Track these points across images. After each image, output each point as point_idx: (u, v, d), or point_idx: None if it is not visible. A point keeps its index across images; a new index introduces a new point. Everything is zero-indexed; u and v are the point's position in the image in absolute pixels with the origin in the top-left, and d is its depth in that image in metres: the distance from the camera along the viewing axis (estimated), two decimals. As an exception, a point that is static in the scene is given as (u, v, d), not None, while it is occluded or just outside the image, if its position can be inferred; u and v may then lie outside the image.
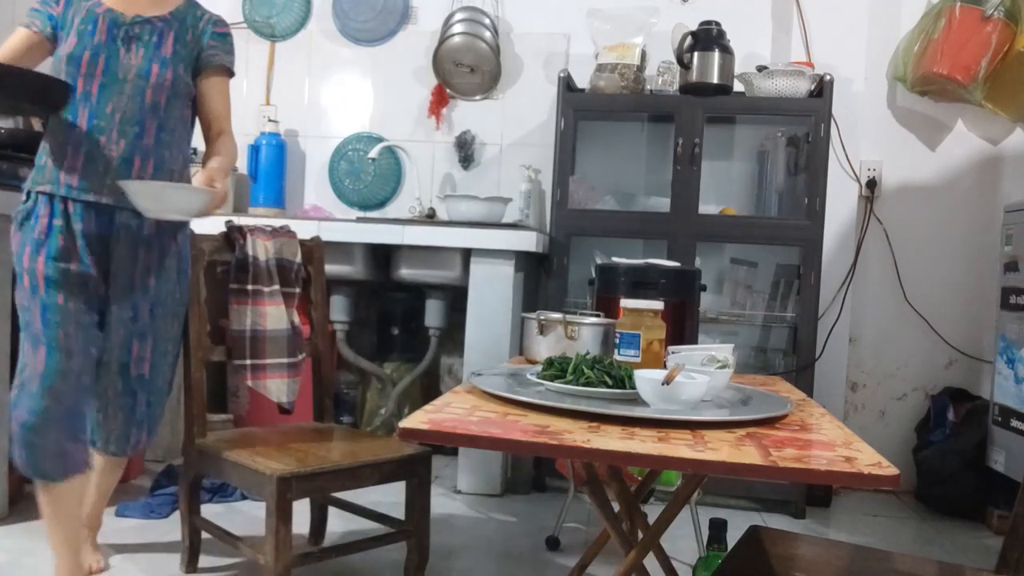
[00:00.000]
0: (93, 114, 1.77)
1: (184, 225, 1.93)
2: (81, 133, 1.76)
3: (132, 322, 1.85)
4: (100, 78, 1.79)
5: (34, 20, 1.82)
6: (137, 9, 1.86)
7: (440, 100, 3.45)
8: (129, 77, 1.81)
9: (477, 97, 3.45)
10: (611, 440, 1.06)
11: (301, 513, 1.62)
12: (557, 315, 1.72)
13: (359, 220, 3.18)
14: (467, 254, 2.89)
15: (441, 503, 2.73)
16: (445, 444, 1.10)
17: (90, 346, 1.79)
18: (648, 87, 3.06)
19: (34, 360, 1.72)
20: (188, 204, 1.72)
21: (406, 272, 3.02)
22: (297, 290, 2.15)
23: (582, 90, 3.10)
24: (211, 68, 1.93)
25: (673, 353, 1.54)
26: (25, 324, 1.76)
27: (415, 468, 1.94)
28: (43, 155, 1.81)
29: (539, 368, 1.44)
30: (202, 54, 1.93)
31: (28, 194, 1.81)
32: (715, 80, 2.86)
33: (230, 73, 1.99)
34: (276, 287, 2.09)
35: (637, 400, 1.28)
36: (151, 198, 1.68)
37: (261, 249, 2.08)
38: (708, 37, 2.86)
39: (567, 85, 3.02)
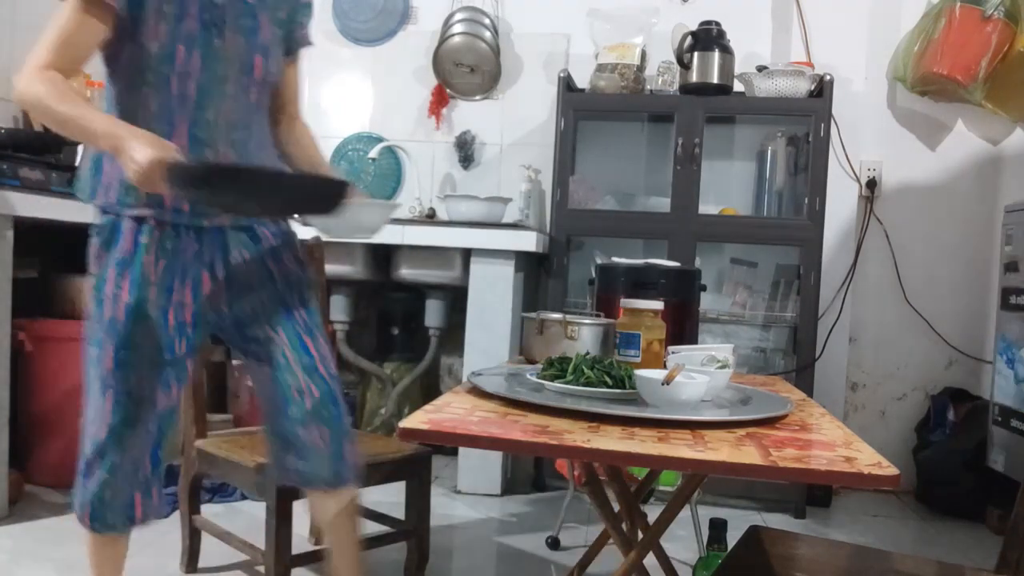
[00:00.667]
0: (194, 123, 1.45)
1: (286, 225, 1.65)
2: (182, 148, 1.38)
3: (296, 325, 1.56)
4: (198, 77, 1.46)
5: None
6: None
7: (440, 100, 3.45)
8: (230, 74, 1.49)
9: (477, 97, 3.45)
10: (611, 440, 1.06)
11: (301, 513, 1.62)
12: (557, 315, 1.72)
13: (359, 220, 3.17)
14: (467, 254, 2.89)
15: (441, 503, 2.73)
16: (445, 444, 1.10)
17: (163, 390, 1.54)
18: (648, 87, 3.06)
19: (102, 409, 1.54)
20: (378, 221, 1.54)
21: (406, 272, 3.02)
22: (297, 290, 2.14)
23: (582, 90, 3.10)
24: (299, 49, 1.67)
25: (673, 353, 1.54)
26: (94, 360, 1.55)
27: (415, 468, 1.94)
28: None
29: (539, 368, 1.44)
30: (293, 33, 1.63)
31: (109, 215, 1.48)
32: (715, 80, 2.86)
33: None
34: (276, 287, 2.08)
35: (637, 400, 1.28)
36: (339, 221, 1.44)
37: (261, 249, 2.07)
38: (708, 37, 2.86)
39: (567, 85, 3.02)
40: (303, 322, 1.56)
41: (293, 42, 1.64)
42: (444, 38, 3.31)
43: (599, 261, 2.84)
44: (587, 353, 1.46)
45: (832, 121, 2.90)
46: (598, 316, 1.77)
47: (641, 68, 3.03)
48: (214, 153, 1.46)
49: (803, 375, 2.86)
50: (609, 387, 1.33)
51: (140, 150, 1.25)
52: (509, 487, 2.97)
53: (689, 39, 2.86)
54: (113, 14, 1.39)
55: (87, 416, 1.56)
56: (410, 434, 1.09)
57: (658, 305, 1.52)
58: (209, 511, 2.31)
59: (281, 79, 1.63)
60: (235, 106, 1.49)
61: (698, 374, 1.31)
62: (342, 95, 3.56)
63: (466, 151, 3.45)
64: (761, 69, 2.95)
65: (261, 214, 1.51)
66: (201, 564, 2.06)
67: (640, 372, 1.30)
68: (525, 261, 3.02)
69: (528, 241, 2.81)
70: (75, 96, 1.37)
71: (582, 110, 3.06)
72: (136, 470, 1.55)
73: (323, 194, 1.34)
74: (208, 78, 1.46)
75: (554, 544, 2.40)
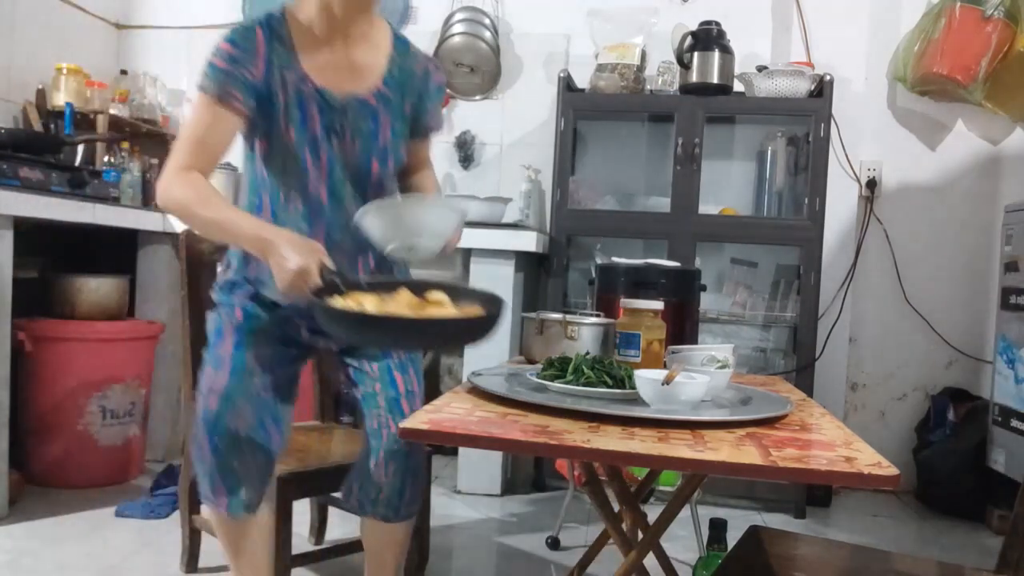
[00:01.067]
0: (331, 224, 1.46)
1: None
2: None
3: (390, 359, 1.56)
4: (326, 180, 1.48)
5: (233, 91, 1.40)
6: (347, 82, 1.49)
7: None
8: (347, 178, 1.51)
9: (477, 97, 3.45)
10: (611, 440, 1.06)
11: (301, 513, 1.62)
12: (557, 315, 1.72)
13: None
14: (467, 254, 2.89)
15: (441, 503, 2.73)
16: (445, 444, 1.10)
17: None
18: (648, 87, 3.06)
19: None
20: (441, 225, 1.36)
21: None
22: (298, 290, 2.14)
23: (582, 90, 3.10)
24: (428, 134, 1.66)
25: (673, 353, 1.54)
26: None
27: (415, 468, 1.93)
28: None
29: (539, 368, 1.44)
30: (421, 119, 1.61)
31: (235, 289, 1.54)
32: (715, 80, 2.86)
33: None
34: (277, 287, 2.08)
35: (637, 400, 1.28)
36: (393, 223, 1.33)
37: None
38: (708, 37, 2.86)
39: (567, 85, 3.02)
40: (398, 357, 1.56)
41: (421, 128, 1.63)
42: (444, 38, 3.31)
43: (599, 261, 2.84)
44: (587, 353, 1.46)
45: (832, 121, 2.90)
46: (598, 316, 1.77)
47: (641, 68, 3.03)
48: (340, 253, 1.44)
49: (803, 375, 2.86)
50: (609, 387, 1.33)
51: (291, 258, 1.26)
52: (509, 487, 2.97)
53: (689, 39, 2.86)
54: (243, 111, 1.42)
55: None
56: (410, 434, 1.09)
57: (658, 305, 1.52)
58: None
59: (410, 155, 1.63)
60: (353, 205, 1.47)
61: (698, 374, 1.31)
62: (342, 95, 3.55)
63: (466, 151, 3.45)
64: (761, 69, 2.95)
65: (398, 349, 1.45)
66: (201, 564, 2.06)
67: (640, 372, 1.30)
68: (525, 261, 3.02)
69: (528, 241, 2.81)
70: (219, 198, 1.39)
71: (582, 110, 3.06)
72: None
73: (471, 332, 1.22)
74: (334, 181, 1.49)
75: (554, 544, 2.40)
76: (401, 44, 1.58)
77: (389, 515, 1.53)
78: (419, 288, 1.25)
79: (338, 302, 1.17)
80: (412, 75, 1.57)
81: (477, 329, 1.19)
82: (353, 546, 1.91)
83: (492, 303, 1.21)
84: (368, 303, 1.17)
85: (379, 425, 1.51)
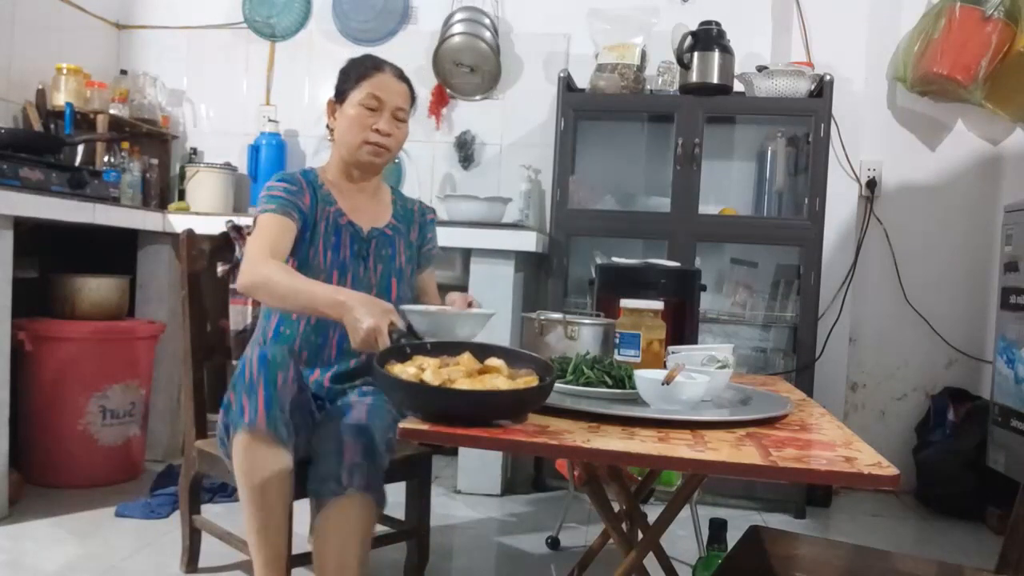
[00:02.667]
0: (344, 337, 1.57)
1: None
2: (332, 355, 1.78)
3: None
4: None
5: (290, 211, 1.74)
6: (370, 220, 1.88)
7: (440, 100, 3.45)
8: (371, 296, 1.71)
9: (477, 97, 3.45)
10: (611, 440, 1.06)
11: (301, 512, 1.61)
12: (557, 315, 1.72)
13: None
14: (467, 254, 2.89)
15: (441, 503, 2.73)
16: (445, 444, 1.10)
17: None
18: (648, 87, 3.06)
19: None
20: (472, 332, 1.57)
21: (406, 272, 3.02)
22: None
23: (582, 90, 3.10)
24: (430, 263, 2.01)
25: (673, 353, 1.54)
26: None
27: (415, 468, 1.94)
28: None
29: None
30: (423, 249, 1.98)
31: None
32: (715, 80, 2.86)
33: None
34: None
35: (637, 400, 1.28)
36: (435, 323, 1.53)
37: (262, 249, 2.07)
38: (708, 37, 2.86)
39: (567, 85, 3.02)
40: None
41: (424, 258, 1.99)
42: (444, 38, 3.31)
43: (599, 261, 2.84)
44: (587, 353, 1.46)
45: (832, 121, 2.90)
46: (598, 316, 1.77)
47: (641, 68, 3.02)
48: (357, 362, 1.77)
49: (803, 375, 2.86)
50: (609, 387, 1.33)
51: (363, 318, 1.43)
52: (509, 487, 2.96)
53: (689, 39, 2.86)
54: (298, 225, 1.75)
55: None
56: (410, 434, 1.09)
57: (658, 305, 1.52)
58: (209, 511, 2.31)
59: (422, 287, 1.98)
60: None
61: (698, 374, 1.31)
62: (342, 95, 3.55)
63: (466, 151, 3.45)
64: (761, 69, 2.95)
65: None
66: (201, 564, 2.06)
67: (640, 372, 1.30)
68: (525, 261, 3.02)
69: (528, 241, 2.81)
70: (295, 275, 1.64)
71: (582, 110, 3.06)
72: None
73: (518, 406, 1.20)
74: None
75: (554, 544, 2.40)
76: (397, 193, 2.01)
77: (321, 488, 1.52)
78: (480, 352, 1.31)
79: (397, 368, 1.22)
80: (411, 211, 1.99)
81: (529, 400, 1.21)
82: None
83: (544, 370, 1.27)
84: (430, 366, 1.22)
85: (343, 409, 1.65)
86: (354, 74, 1.86)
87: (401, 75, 1.90)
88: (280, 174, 1.83)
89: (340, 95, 1.88)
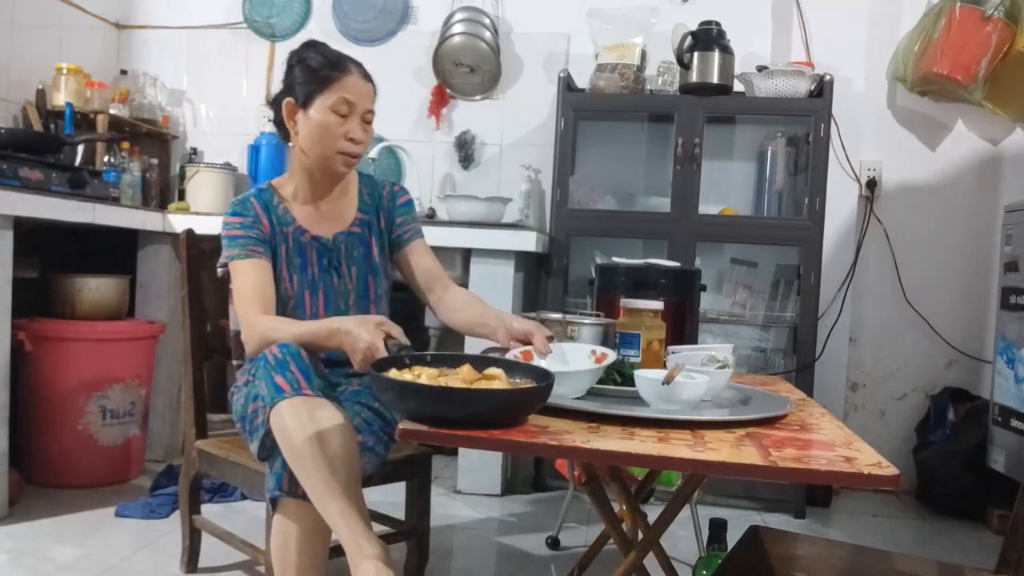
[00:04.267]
0: (331, 353, 1.59)
1: None
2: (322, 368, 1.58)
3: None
4: (324, 313, 1.73)
5: (254, 248, 1.69)
6: (334, 224, 1.79)
7: (440, 100, 3.45)
8: (350, 303, 1.77)
9: (477, 97, 3.45)
10: (611, 440, 1.06)
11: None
12: (557, 315, 1.72)
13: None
14: (467, 254, 2.89)
15: (441, 503, 2.73)
16: (445, 444, 1.10)
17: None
18: (648, 87, 3.06)
19: None
20: (576, 391, 1.35)
21: (406, 272, 3.02)
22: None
23: (582, 90, 3.10)
24: (410, 242, 1.87)
25: (673, 353, 1.54)
26: None
27: (415, 468, 1.94)
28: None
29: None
30: (394, 235, 1.87)
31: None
32: (715, 80, 2.86)
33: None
34: (277, 288, 2.09)
35: (637, 400, 1.28)
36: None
37: (261, 249, 2.07)
38: (708, 37, 2.86)
39: (567, 85, 3.02)
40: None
41: (398, 239, 1.86)
42: (444, 38, 3.31)
43: (599, 261, 2.84)
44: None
45: (832, 121, 2.90)
46: (598, 316, 1.77)
47: (641, 68, 3.02)
48: (348, 368, 1.63)
49: (803, 375, 2.86)
50: (618, 384, 1.33)
51: (360, 337, 1.43)
52: (509, 487, 2.96)
53: (689, 39, 2.86)
54: (268, 258, 1.70)
55: None
56: (410, 434, 1.09)
57: (658, 305, 1.52)
58: (209, 511, 2.31)
59: (407, 264, 1.85)
60: None
61: (698, 374, 1.31)
62: (342, 95, 3.55)
63: (466, 151, 3.45)
64: (761, 69, 2.95)
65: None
66: (201, 564, 2.06)
67: (640, 372, 1.30)
68: (525, 261, 3.02)
69: (528, 241, 2.81)
70: (291, 322, 1.62)
71: (582, 110, 3.06)
72: None
73: (518, 406, 1.17)
74: (334, 311, 1.73)
75: (554, 544, 2.39)
76: (365, 179, 1.89)
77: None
78: (481, 364, 1.28)
79: (392, 373, 1.21)
80: (379, 196, 1.87)
81: (521, 401, 1.17)
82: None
83: (543, 378, 1.21)
84: (426, 376, 1.20)
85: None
86: (319, 75, 1.71)
87: (366, 74, 1.77)
88: (232, 204, 1.75)
89: (305, 99, 1.71)
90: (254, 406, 1.58)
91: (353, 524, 1.37)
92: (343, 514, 1.38)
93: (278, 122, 1.78)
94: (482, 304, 1.77)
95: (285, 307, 1.73)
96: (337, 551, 1.45)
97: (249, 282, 1.67)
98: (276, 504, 1.49)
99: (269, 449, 1.52)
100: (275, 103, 1.78)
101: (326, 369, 1.72)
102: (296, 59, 1.76)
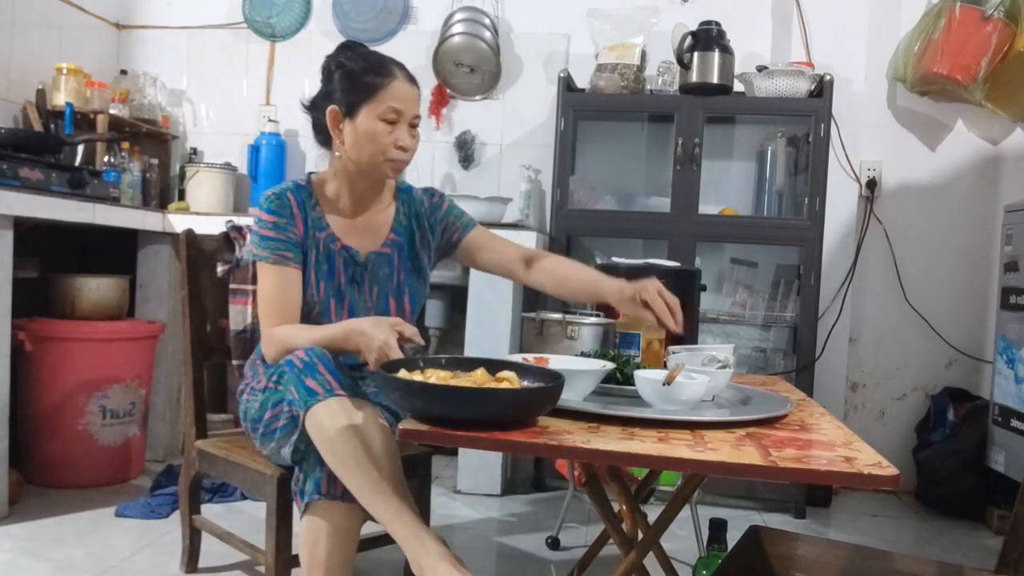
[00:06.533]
0: (347, 359, 1.61)
1: None
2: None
3: None
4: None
5: (285, 254, 1.64)
6: (367, 242, 1.75)
7: (440, 100, 3.45)
8: (378, 317, 1.69)
9: (477, 97, 3.45)
10: (611, 440, 1.06)
11: (301, 513, 1.61)
12: (557, 315, 1.72)
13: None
14: (467, 254, 2.89)
15: (441, 503, 2.73)
16: (445, 444, 1.10)
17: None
18: (648, 87, 3.06)
19: None
20: (590, 385, 1.36)
21: (406, 272, 3.02)
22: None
23: (582, 90, 3.10)
24: (464, 237, 1.82)
25: (673, 353, 1.54)
26: None
27: (415, 468, 1.94)
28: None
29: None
30: (443, 241, 1.83)
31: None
32: (715, 80, 2.86)
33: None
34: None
35: (637, 400, 1.28)
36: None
37: (262, 249, 2.07)
38: (708, 37, 2.86)
39: (567, 85, 3.02)
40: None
41: (451, 243, 1.83)
42: (444, 38, 3.31)
43: (599, 261, 2.84)
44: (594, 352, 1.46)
45: (832, 121, 2.90)
46: (598, 316, 1.77)
47: (641, 68, 3.02)
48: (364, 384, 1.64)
49: (803, 375, 2.86)
50: (620, 383, 1.34)
51: (374, 336, 1.41)
52: (509, 487, 2.96)
53: (689, 39, 2.86)
54: (298, 266, 1.66)
55: None
56: (410, 434, 1.09)
57: (658, 305, 1.52)
58: (209, 511, 2.31)
59: (478, 252, 1.82)
60: None
61: (698, 374, 1.31)
62: (342, 95, 3.55)
63: (466, 151, 3.45)
64: (761, 69, 2.95)
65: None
66: (201, 564, 2.06)
67: (640, 372, 1.30)
68: (525, 261, 3.02)
69: (528, 241, 2.81)
70: (309, 328, 1.60)
71: (582, 110, 3.06)
72: None
73: (524, 407, 1.16)
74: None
75: (554, 544, 2.39)
76: (403, 193, 1.83)
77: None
78: (495, 367, 1.28)
79: (402, 373, 1.21)
80: (418, 213, 1.81)
81: (526, 401, 1.17)
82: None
83: (552, 379, 1.21)
84: (436, 378, 1.20)
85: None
86: (364, 83, 1.64)
87: (411, 76, 1.71)
88: (268, 198, 1.67)
89: (350, 107, 1.65)
90: (276, 410, 1.58)
91: (410, 522, 1.36)
92: (398, 514, 1.36)
93: (317, 127, 1.73)
94: (583, 270, 1.73)
95: (310, 312, 1.69)
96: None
97: (272, 291, 1.64)
98: (308, 505, 1.49)
99: (303, 453, 1.52)
100: (314, 108, 1.72)
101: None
102: (335, 64, 1.69)
